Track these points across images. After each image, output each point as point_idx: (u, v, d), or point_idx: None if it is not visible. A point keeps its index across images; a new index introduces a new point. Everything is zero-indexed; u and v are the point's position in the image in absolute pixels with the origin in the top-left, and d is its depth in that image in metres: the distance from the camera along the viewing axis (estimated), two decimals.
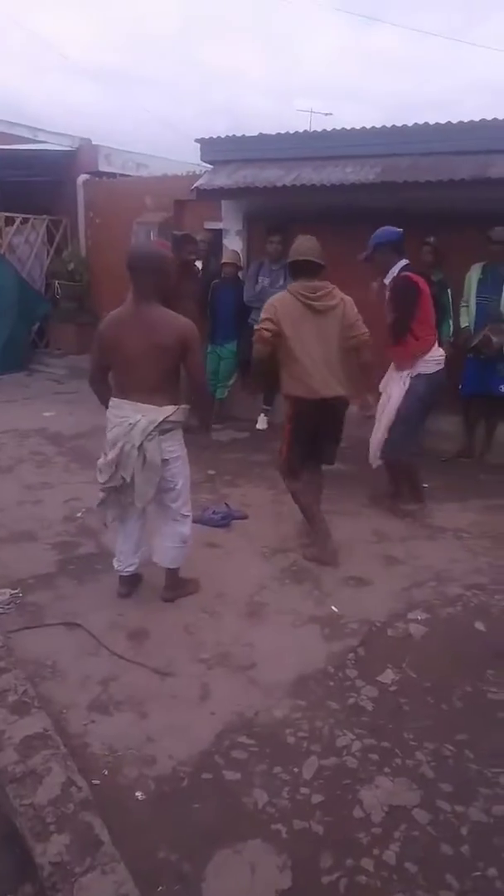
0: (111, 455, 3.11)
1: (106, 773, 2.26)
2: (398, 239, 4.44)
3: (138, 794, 2.19)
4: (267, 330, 3.78)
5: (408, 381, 4.45)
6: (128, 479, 3.10)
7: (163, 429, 3.10)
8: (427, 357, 4.44)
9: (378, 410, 4.50)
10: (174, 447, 3.19)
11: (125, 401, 3.14)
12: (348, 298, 3.90)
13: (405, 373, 4.46)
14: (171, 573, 3.42)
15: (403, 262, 4.45)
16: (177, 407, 3.14)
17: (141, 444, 3.05)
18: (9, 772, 2.09)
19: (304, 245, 3.94)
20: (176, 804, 2.15)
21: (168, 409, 3.11)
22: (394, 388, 4.52)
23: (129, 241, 8.10)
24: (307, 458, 4.08)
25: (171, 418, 3.11)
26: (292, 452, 4.03)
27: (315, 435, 4.01)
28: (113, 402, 3.19)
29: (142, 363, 3.08)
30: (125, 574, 3.43)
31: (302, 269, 3.91)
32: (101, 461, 3.19)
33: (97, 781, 2.21)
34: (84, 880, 1.73)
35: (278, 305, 3.82)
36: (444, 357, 4.56)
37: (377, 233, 4.49)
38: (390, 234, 4.45)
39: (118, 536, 3.41)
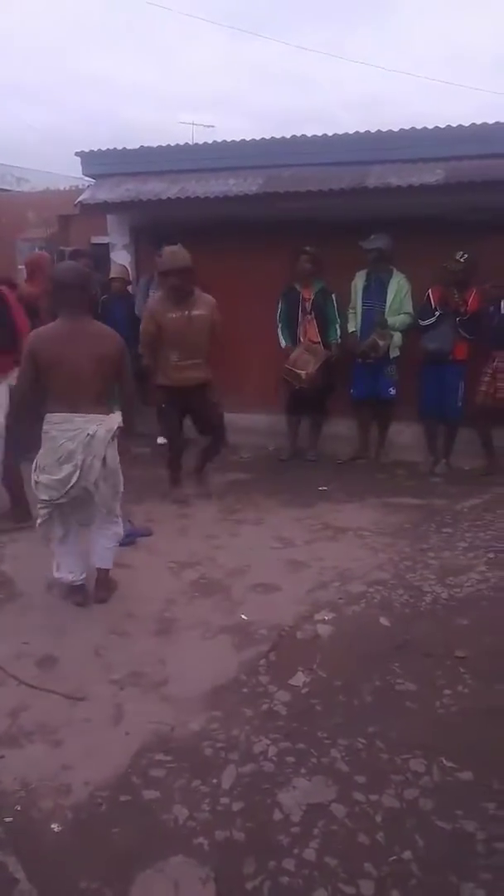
0: (66, 470, 3.15)
1: (18, 808, 2.19)
2: None
3: (54, 825, 2.13)
4: None
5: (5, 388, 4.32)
6: (91, 489, 3.18)
7: (114, 435, 3.22)
8: None
9: None
10: (116, 453, 3.30)
11: (74, 414, 3.20)
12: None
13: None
14: (104, 573, 3.56)
15: None
16: (119, 413, 3.31)
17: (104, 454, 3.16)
18: None
19: None
20: (95, 831, 2.12)
21: (116, 417, 3.27)
22: None
23: (13, 257, 7.89)
24: None
25: (121, 425, 3.27)
26: None
27: None
28: (57, 417, 3.21)
29: (88, 375, 3.21)
30: (79, 583, 3.50)
31: None
32: (43, 479, 3.22)
33: (10, 819, 2.13)
34: None
35: None
36: None
37: None
38: None
39: (61, 550, 3.45)
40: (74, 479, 3.16)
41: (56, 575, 3.50)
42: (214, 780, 2.32)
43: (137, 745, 2.48)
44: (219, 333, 4.88)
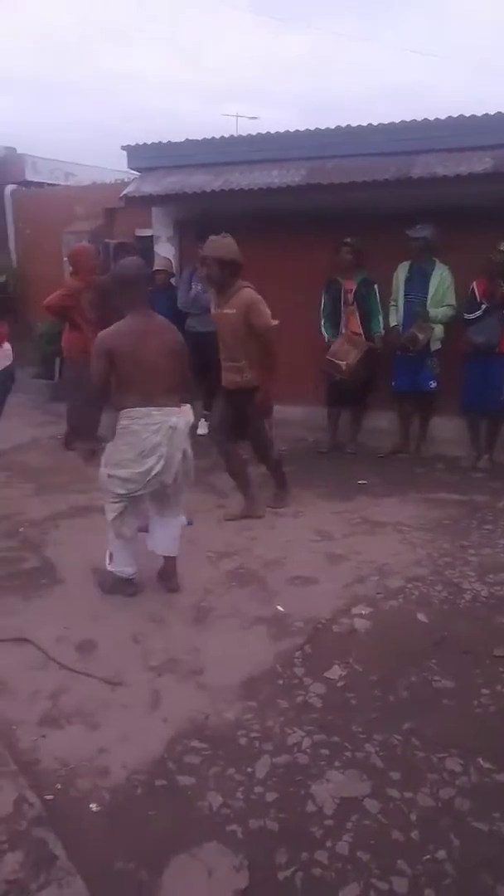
0: (149, 462, 3.21)
1: (59, 787, 2.24)
2: None
3: (92, 805, 2.18)
4: None
5: None
6: (169, 482, 3.27)
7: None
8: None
9: None
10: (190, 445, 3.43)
11: (151, 408, 3.24)
12: None
13: None
14: (173, 562, 3.60)
15: None
16: (189, 406, 3.40)
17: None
18: None
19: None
20: (131, 813, 2.16)
21: (188, 408, 3.36)
22: None
23: (60, 250, 8.00)
24: None
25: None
26: None
27: None
28: (136, 412, 3.24)
29: (162, 369, 3.26)
30: (133, 577, 3.54)
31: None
32: (120, 473, 3.26)
33: (50, 796, 2.19)
34: None
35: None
36: (10, 351, 4.52)
37: None
38: None
39: (121, 544, 3.45)
40: (156, 470, 3.21)
41: (110, 568, 3.51)
42: (249, 770, 2.34)
43: (173, 731, 2.52)
44: (260, 335, 4.29)
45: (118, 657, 2.99)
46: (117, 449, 3.30)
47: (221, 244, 4.36)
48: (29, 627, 3.21)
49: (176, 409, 3.30)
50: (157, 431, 3.21)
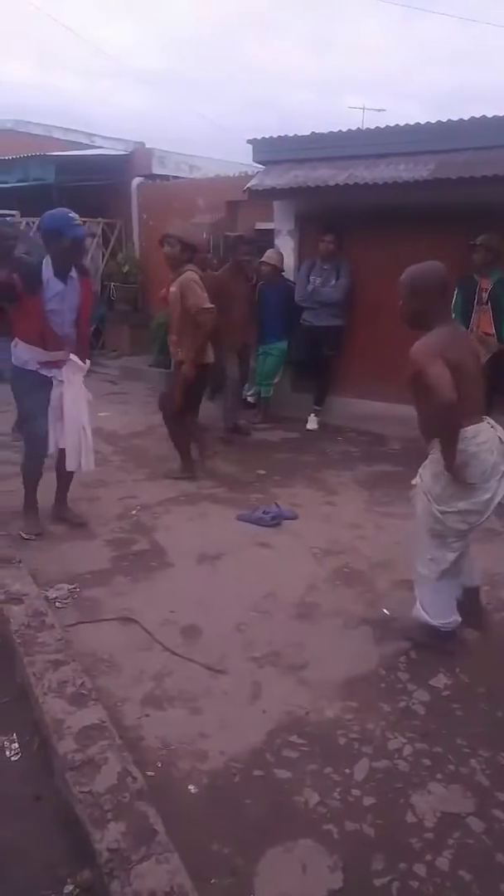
0: (492, 487, 2.77)
1: (160, 765, 2.31)
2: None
3: (191, 787, 2.22)
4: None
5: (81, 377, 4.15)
6: None
7: None
8: None
9: (55, 411, 4.05)
10: None
11: (481, 423, 2.82)
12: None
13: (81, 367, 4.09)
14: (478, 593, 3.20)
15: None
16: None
17: None
18: (68, 760, 2.16)
19: None
20: (228, 799, 2.18)
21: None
22: (75, 386, 4.07)
23: None
24: None
25: None
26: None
27: None
28: (469, 431, 2.75)
29: (480, 379, 2.92)
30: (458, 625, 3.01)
31: None
32: (462, 506, 2.78)
33: (151, 773, 2.25)
34: (140, 868, 1.77)
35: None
36: None
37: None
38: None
39: (450, 589, 2.97)
40: (501, 493, 2.78)
41: (435, 621, 2.94)
42: (347, 771, 2.31)
43: (272, 724, 2.52)
44: (192, 315, 4.83)
45: (221, 645, 3.03)
46: (448, 480, 2.80)
47: (187, 227, 5.06)
48: (136, 608, 3.30)
49: (490, 420, 2.89)
50: (492, 449, 2.77)
